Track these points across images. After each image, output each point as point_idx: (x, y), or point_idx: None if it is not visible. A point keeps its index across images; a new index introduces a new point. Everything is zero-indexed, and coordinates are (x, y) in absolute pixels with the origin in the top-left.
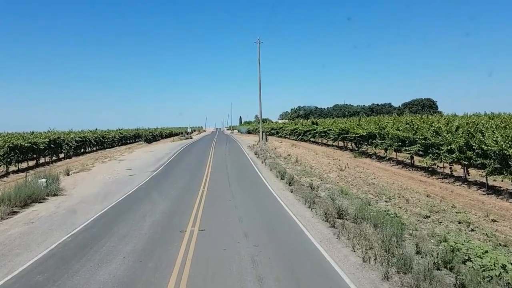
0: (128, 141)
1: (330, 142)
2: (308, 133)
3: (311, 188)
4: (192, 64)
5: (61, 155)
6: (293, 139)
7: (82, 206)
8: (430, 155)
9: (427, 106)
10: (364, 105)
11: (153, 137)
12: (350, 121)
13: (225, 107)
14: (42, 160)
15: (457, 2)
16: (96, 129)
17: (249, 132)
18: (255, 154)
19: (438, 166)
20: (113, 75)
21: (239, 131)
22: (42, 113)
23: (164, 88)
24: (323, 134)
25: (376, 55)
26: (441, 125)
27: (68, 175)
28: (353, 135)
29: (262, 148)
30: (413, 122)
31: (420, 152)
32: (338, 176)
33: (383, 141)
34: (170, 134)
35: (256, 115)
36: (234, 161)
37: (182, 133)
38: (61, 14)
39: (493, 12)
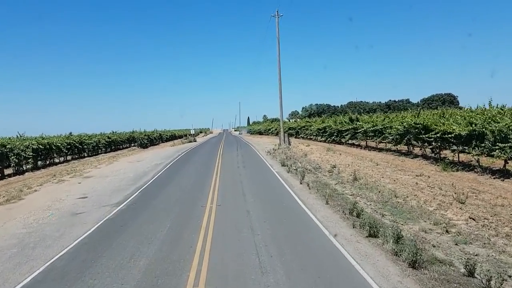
0: (121, 146)
1: (380, 145)
2: (346, 132)
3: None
4: (198, 65)
5: (9, 170)
6: (321, 141)
7: None
8: None
9: (448, 102)
10: (380, 102)
11: (150, 141)
12: (414, 116)
13: (232, 108)
14: None
15: None
16: (71, 133)
17: (260, 133)
18: (282, 165)
19: None
20: (118, 78)
21: (248, 131)
22: (38, 118)
23: (170, 90)
24: (372, 133)
25: (386, 53)
26: None
27: None
28: (436, 134)
29: (287, 155)
30: None
31: None
32: (465, 217)
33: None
34: (172, 137)
35: (265, 115)
36: (255, 182)
37: (186, 135)
38: (61, 14)
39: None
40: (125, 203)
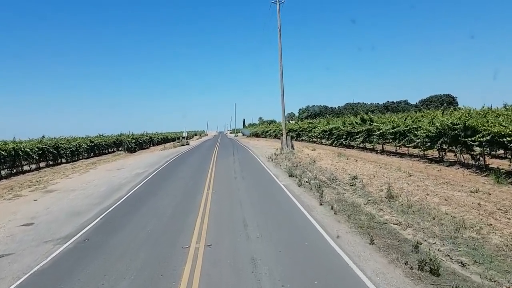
0: (106, 151)
1: (401, 150)
2: (358, 135)
3: None
4: (193, 67)
5: None
6: (327, 144)
7: None
8: None
9: (447, 103)
10: (378, 103)
11: (139, 144)
12: (452, 115)
13: (227, 110)
14: None
15: None
16: (44, 136)
17: (256, 136)
18: (290, 175)
19: None
20: (114, 80)
21: (243, 134)
22: (40, 119)
23: (165, 92)
24: (391, 136)
25: (384, 54)
26: None
27: None
28: (484, 137)
29: (293, 162)
30: None
31: None
32: None
33: None
34: (164, 140)
35: (260, 117)
36: (259, 202)
37: (179, 138)
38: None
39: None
40: (75, 237)
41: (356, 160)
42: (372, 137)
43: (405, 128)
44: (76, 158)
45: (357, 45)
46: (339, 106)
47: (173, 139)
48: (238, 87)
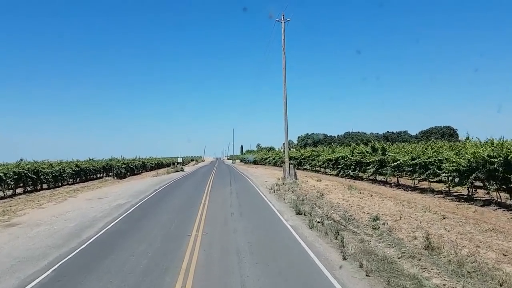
0: (95, 176)
1: (420, 184)
2: (369, 166)
3: None
4: (191, 92)
5: None
6: (331, 174)
7: None
8: None
9: (447, 135)
10: (377, 133)
11: (130, 170)
12: (481, 146)
13: (225, 136)
14: None
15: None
16: (22, 159)
17: (255, 162)
18: (297, 212)
19: None
20: (115, 106)
21: (241, 161)
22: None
23: (163, 118)
24: (409, 168)
25: (384, 85)
26: None
27: None
28: None
29: (298, 194)
30: None
31: None
32: None
33: None
34: (158, 165)
35: (258, 144)
36: (261, 254)
37: (174, 163)
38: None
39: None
40: None
41: (371, 195)
42: (385, 168)
43: (427, 160)
44: (60, 184)
45: (358, 74)
46: (338, 135)
47: (168, 165)
48: (236, 113)
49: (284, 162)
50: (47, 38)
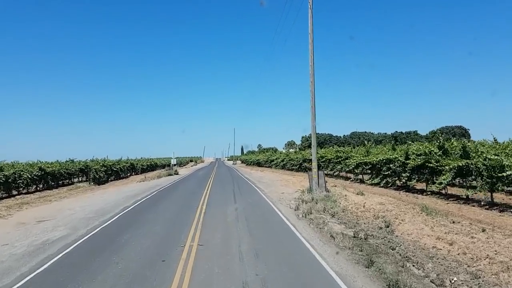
0: (70, 181)
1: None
2: (440, 172)
3: None
4: (191, 91)
5: None
6: (369, 183)
7: None
8: None
9: (459, 135)
10: (385, 133)
11: (113, 173)
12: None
13: (225, 136)
14: None
15: None
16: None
17: (259, 164)
18: (372, 274)
19: None
20: (115, 107)
21: (242, 162)
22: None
23: (163, 118)
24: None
25: (392, 84)
26: None
27: None
28: None
29: (346, 223)
30: None
31: None
32: None
33: None
34: (151, 167)
35: (259, 144)
36: None
37: (169, 165)
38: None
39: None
40: None
41: (484, 230)
42: (469, 176)
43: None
44: (14, 192)
45: (363, 73)
46: (344, 135)
47: (163, 166)
48: (236, 113)
49: (314, 168)
50: (47, 39)
